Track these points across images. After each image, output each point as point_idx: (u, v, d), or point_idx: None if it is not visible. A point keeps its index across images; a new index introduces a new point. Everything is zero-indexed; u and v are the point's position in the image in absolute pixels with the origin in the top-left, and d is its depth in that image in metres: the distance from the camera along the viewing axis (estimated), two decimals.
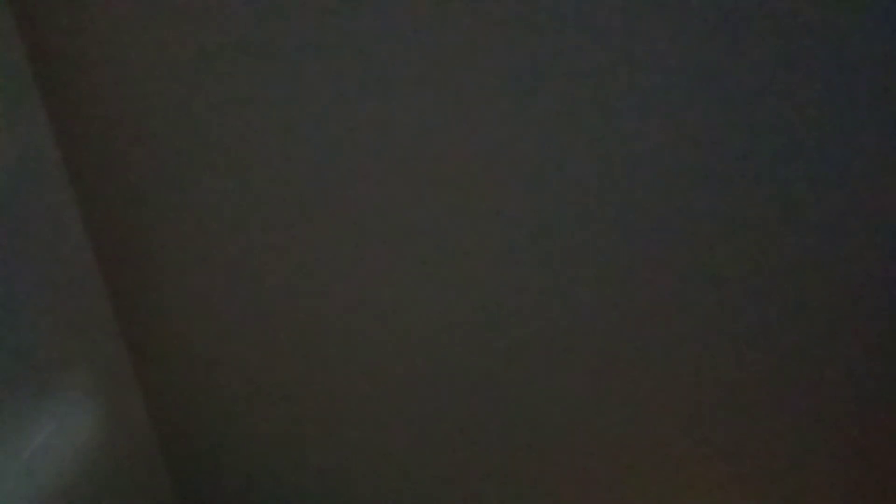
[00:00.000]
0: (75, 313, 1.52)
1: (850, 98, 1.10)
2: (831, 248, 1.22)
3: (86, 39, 1.32)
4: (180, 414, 1.77)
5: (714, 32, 1.09)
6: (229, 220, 1.45)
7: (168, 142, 1.39)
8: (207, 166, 1.40)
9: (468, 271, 1.39)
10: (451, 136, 1.26)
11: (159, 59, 1.31)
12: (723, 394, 1.40)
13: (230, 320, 1.58)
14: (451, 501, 1.72)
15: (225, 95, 1.32)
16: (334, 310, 1.50)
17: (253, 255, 1.48)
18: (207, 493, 1.91)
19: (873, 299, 1.24)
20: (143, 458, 1.78)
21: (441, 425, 1.61)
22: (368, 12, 1.19)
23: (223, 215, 1.45)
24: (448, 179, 1.30)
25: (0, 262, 1.34)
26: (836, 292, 1.25)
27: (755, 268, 1.26)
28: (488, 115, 1.23)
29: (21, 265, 1.39)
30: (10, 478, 1.42)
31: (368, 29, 1.20)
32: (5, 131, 1.33)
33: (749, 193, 1.20)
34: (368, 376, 1.58)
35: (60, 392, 1.51)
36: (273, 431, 1.74)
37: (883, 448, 1.38)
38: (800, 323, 1.29)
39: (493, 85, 1.20)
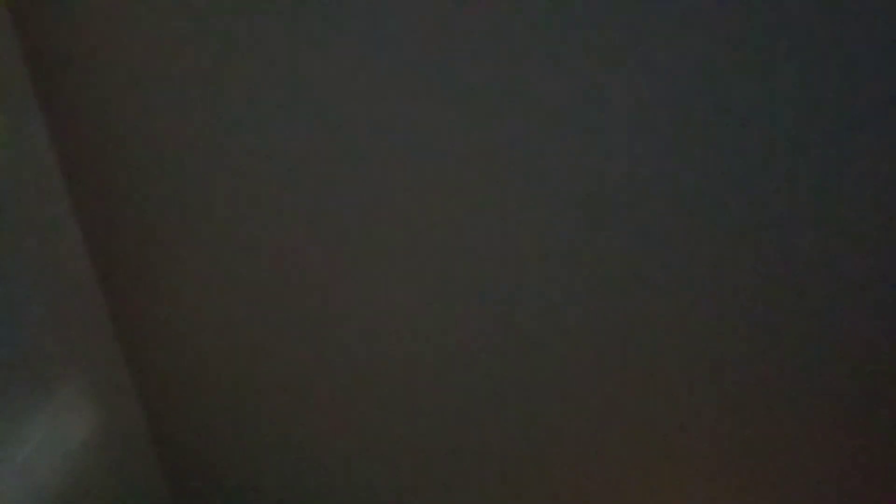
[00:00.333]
0: (71, 315, 1.52)
1: (850, 98, 1.10)
2: (831, 248, 1.22)
3: (83, 42, 1.32)
4: (175, 416, 1.77)
5: (714, 32, 1.10)
6: (226, 222, 1.45)
7: (164, 145, 1.39)
8: (204, 170, 1.40)
9: (468, 271, 1.39)
10: (452, 136, 1.26)
11: (157, 62, 1.31)
12: (723, 394, 1.40)
13: (226, 322, 1.58)
14: (452, 501, 1.72)
15: (224, 98, 1.31)
16: (332, 314, 1.50)
17: (250, 258, 1.48)
18: (203, 495, 1.91)
19: (873, 299, 1.25)
20: (138, 460, 1.77)
21: (441, 425, 1.61)
22: (368, 12, 1.19)
23: (220, 218, 1.45)
24: (449, 179, 1.30)
25: None
26: (837, 292, 1.26)
27: (757, 268, 1.26)
28: (491, 115, 1.23)
29: (16, 267, 1.38)
30: (5, 480, 1.42)
31: (368, 29, 1.20)
32: (1, 134, 1.33)
33: (749, 193, 1.20)
34: (367, 378, 1.58)
35: (56, 394, 1.50)
36: (268, 434, 1.74)
37: (883, 448, 1.38)
38: (800, 323, 1.30)
39: (494, 84, 1.20)
